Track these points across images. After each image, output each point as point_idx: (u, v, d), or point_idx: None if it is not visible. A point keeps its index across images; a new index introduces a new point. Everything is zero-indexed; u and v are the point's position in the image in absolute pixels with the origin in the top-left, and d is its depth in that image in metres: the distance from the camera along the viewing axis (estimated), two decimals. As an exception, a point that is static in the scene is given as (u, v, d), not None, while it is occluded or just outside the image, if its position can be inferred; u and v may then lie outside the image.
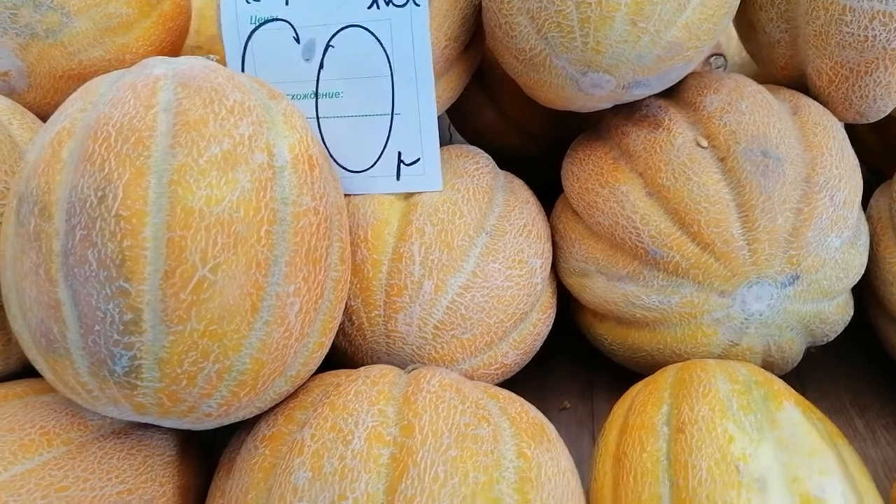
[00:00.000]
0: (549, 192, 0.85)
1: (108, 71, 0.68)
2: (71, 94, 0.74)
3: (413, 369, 0.62)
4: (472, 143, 1.04)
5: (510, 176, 0.80)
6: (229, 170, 0.50)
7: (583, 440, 0.78)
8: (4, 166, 0.62)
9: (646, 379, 0.67)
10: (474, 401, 0.57)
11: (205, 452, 0.66)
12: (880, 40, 0.66)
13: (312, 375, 0.62)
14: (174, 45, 0.86)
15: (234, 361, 0.51)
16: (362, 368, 0.61)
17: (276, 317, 0.52)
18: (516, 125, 0.95)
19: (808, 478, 0.54)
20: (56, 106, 0.76)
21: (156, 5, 0.81)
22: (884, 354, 0.82)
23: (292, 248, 0.53)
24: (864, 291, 0.78)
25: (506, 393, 0.64)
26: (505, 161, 1.03)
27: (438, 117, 0.95)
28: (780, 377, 0.77)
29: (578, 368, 0.88)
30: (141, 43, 0.79)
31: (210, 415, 0.53)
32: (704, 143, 0.68)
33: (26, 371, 0.66)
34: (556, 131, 0.92)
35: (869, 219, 0.78)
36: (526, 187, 0.79)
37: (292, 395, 0.60)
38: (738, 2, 0.69)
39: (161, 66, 0.57)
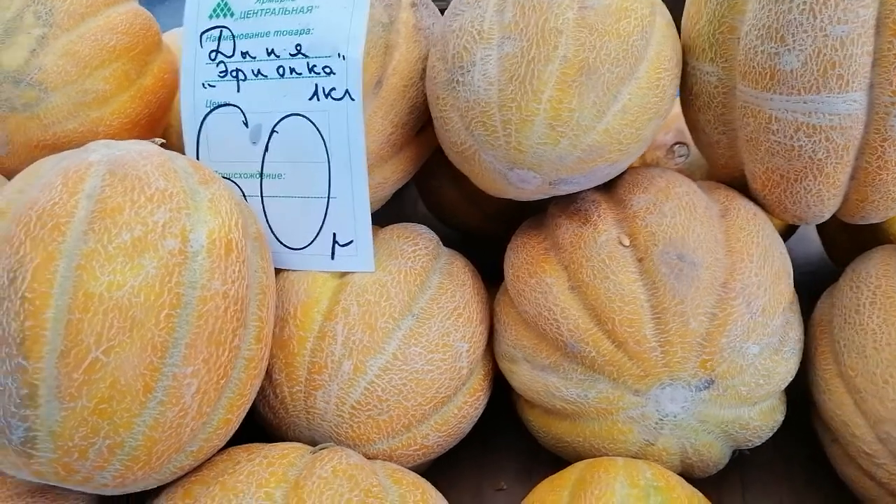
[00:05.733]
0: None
1: (82, 142, 0.73)
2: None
3: (321, 449, 0.64)
4: (436, 217, 1.07)
5: (454, 256, 0.81)
6: (136, 256, 0.54)
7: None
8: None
9: (554, 475, 0.67)
10: (366, 488, 0.59)
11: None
12: (806, 150, 0.66)
13: (226, 447, 0.65)
14: (153, 117, 0.91)
15: (125, 438, 0.53)
16: (269, 445, 0.64)
17: (171, 397, 0.55)
18: (476, 204, 0.97)
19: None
20: (31, 172, 0.82)
21: (135, 80, 0.87)
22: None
23: (194, 330, 0.56)
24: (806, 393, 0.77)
25: (413, 478, 0.65)
26: (467, 238, 1.05)
27: (405, 190, 0.98)
28: (721, 474, 0.76)
29: (521, 449, 0.88)
30: (116, 116, 0.84)
31: (107, 485, 0.56)
32: (626, 241, 0.69)
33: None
34: (514, 212, 0.94)
35: (812, 320, 0.78)
36: (468, 269, 0.81)
37: (197, 469, 0.62)
38: (669, 106, 0.71)
39: (100, 150, 0.61)
